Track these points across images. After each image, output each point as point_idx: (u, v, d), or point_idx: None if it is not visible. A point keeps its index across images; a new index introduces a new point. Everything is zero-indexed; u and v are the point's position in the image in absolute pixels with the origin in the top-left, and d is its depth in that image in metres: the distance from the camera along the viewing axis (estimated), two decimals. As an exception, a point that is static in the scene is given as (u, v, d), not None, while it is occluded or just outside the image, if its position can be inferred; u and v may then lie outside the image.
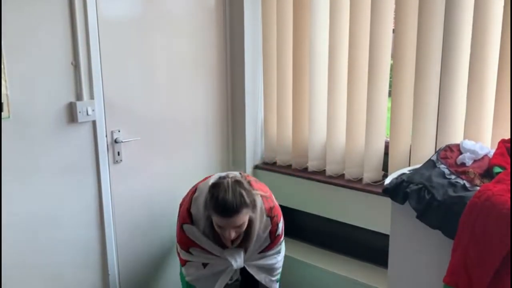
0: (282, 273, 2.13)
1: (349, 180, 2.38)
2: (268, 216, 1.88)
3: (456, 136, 2.04)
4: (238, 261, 1.88)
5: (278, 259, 2.02)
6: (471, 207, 1.44)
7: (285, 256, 2.11)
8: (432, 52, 2.03)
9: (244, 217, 1.73)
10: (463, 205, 1.46)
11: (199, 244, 1.88)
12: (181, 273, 2.10)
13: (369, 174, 2.30)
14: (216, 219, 1.73)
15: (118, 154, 2.22)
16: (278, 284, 2.08)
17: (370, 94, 2.23)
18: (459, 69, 1.99)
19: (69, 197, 2.06)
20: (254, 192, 1.80)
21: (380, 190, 2.02)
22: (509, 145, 1.71)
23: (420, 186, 1.60)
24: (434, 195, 1.54)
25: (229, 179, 1.74)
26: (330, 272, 2.45)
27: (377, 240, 2.33)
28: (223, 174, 1.92)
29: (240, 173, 1.95)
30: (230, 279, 1.94)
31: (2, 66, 1.77)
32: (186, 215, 1.88)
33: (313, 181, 2.48)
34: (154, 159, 2.37)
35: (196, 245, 1.88)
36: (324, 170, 2.49)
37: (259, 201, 1.83)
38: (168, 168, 2.46)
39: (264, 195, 1.91)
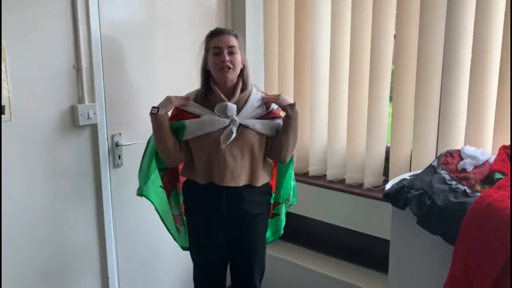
0: (281, 277, 2.12)
1: (349, 185, 2.38)
2: (262, 93, 1.99)
3: (457, 141, 2.04)
4: (232, 111, 1.85)
5: (278, 123, 1.94)
6: (472, 213, 1.43)
7: (284, 260, 2.10)
8: (433, 58, 2.03)
9: (235, 42, 1.87)
10: (464, 211, 1.45)
11: (193, 112, 1.90)
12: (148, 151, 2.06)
13: (370, 179, 2.30)
14: (212, 44, 1.86)
15: (119, 158, 2.22)
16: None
17: (371, 99, 2.24)
18: (460, 74, 1.99)
19: (69, 200, 2.06)
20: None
21: (380, 195, 2.02)
22: (509, 151, 1.71)
23: (421, 191, 1.60)
24: (435, 201, 1.54)
25: None
26: (330, 277, 2.45)
27: (377, 245, 2.33)
28: None
29: None
30: (224, 139, 1.85)
31: (4, 69, 1.78)
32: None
33: (314, 185, 2.48)
34: (155, 163, 2.37)
35: (189, 116, 1.90)
36: (325, 175, 2.49)
37: (250, 80, 1.96)
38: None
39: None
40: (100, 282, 2.24)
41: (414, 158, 2.15)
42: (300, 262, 2.58)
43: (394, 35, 2.18)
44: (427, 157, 2.08)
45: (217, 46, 1.85)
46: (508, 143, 1.77)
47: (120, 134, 2.21)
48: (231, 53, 1.85)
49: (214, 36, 1.88)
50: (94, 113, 2.07)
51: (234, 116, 1.86)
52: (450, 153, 1.82)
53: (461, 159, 1.77)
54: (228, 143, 1.84)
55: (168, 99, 1.92)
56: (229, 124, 1.84)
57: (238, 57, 1.87)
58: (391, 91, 2.23)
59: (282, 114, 1.95)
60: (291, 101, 1.91)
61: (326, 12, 2.36)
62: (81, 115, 2.02)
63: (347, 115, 2.36)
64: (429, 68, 2.05)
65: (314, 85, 2.44)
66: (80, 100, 2.03)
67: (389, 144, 2.27)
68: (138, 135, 2.28)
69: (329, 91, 2.40)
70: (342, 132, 2.41)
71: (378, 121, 2.25)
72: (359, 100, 2.30)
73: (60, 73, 1.96)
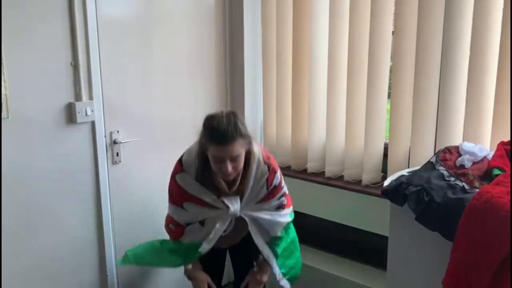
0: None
1: (348, 182, 2.38)
2: (265, 163, 1.84)
3: (455, 138, 2.04)
4: (234, 205, 1.81)
5: (277, 218, 1.91)
6: (470, 209, 1.44)
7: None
8: (431, 54, 2.03)
9: (239, 148, 1.69)
10: (462, 207, 1.46)
11: (193, 194, 1.82)
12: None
13: (368, 175, 2.30)
14: (212, 150, 1.69)
15: (117, 155, 2.21)
16: (275, 257, 1.95)
17: (370, 96, 2.23)
18: (458, 71, 1.99)
19: (68, 197, 2.06)
20: (249, 133, 1.77)
21: (379, 192, 2.01)
22: (508, 147, 1.71)
23: (419, 188, 1.60)
24: (433, 197, 1.54)
25: (224, 111, 1.73)
26: (328, 273, 2.45)
27: (376, 242, 2.33)
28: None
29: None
30: (224, 231, 1.86)
31: (1, 66, 1.77)
32: (178, 165, 1.84)
33: (312, 182, 2.48)
34: (153, 160, 2.37)
35: (189, 197, 1.82)
36: (324, 172, 2.49)
37: (256, 146, 1.81)
38: (167, 169, 2.44)
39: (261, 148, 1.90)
40: (99, 279, 2.24)
41: (413, 155, 2.15)
42: (299, 258, 2.58)
43: (393, 32, 2.18)
44: (426, 154, 2.09)
45: (218, 156, 1.68)
46: (507, 139, 1.77)
47: (118, 132, 2.20)
48: (234, 160, 1.69)
49: (214, 142, 1.67)
50: (92, 111, 2.06)
51: (237, 213, 1.84)
52: (448, 150, 1.82)
53: (460, 155, 1.77)
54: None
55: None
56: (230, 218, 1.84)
57: (242, 158, 1.72)
58: (390, 88, 2.23)
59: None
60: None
61: (325, 9, 2.36)
62: (78, 113, 2.01)
63: (346, 112, 2.35)
64: (428, 64, 2.05)
65: (312, 82, 2.44)
66: (78, 97, 2.02)
67: (387, 141, 2.27)
68: (136, 132, 2.28)
69: (327, 88, 2.40)
70: (340, 128, 2.41)
71: (376, 118, 2.25)
72: (358, 97, 2.29)
73: (58, 70, 1.95)
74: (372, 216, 2.24)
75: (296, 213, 2.61)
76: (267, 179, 1.84)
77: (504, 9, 1.84)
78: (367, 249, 2.47)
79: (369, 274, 2.39)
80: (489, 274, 1.38)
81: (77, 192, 2.09)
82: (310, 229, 2.73)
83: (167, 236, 2.43)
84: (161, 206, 2.42)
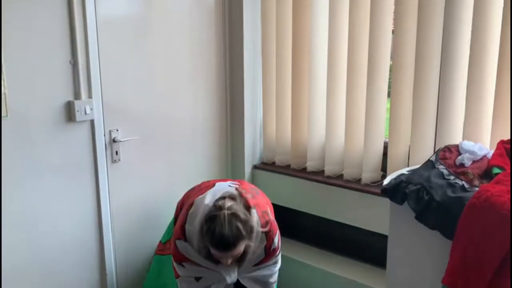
0: (279, 273, 2.12)
1: (347, 181, 2.37)
2: (263, 231, 1.87)
3: (455, 136, 2.03)
4: (232, 276, 1.87)
5: (273, 270, 2.00)
6: (470, 208, 1.43)
7: (282, 256, 2.10)
8: (431, 53, 2.03)
9: (241, 248, 1.74)
10: (462, 206, 1.45)
11: (192, 260, 1.86)
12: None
13: (368, 174, 2.30)
14: (213, 251, 1.75)
15: (116, 154, 2.21)
16: None
17: (369, 95, 2.23)
18: (458, 69, 1.99)
19: (67, 196, 2.06)
20: (250, 214, 1.78)
21: (378, 191, 2.01)
22: (508, 146, 1.71)
23: (419, 186, 1.60)
24: (433, 196, 1.54)
25: (225, 211, 1.72)
26: (328, 272, 2.45)
27: (375, 240, 2.33)
28: (219, 191, 1.88)
29: (236, 187, 1.93)
30: None
31: (0, 64, 1.77)
32: (180, 231, 1.86)
33: (312, 181, 2.47)
34: (152, 159, 2.37)
35: (188, 260, 1.87)
36: (323, 171, 2.49)
37: (255, 220, 1.82)
38: (166, 168, 2.45)
39: (260, 211, 1.89)
40: (98, 278, 2.24)
41: (412, 153, 2.15)
42: (298, 257, 2.58)
43: (392, 31, 2.17)
44: (425, 152, 2.08)
45: (219, 256, 1.74)
46: (507, 137, 1.77)
47: (117, 130, 2.20)
48: (235, 257, 1.76)
49: (216, 249, 1.71)
50: (91, 109, 2.06)
51: (234, 281, 1.88)
52: (448, 148, 1.82)
53: (459, 154, 1.76)
54: None
55: None
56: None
57: (241, 251, 1.76)
58: (389, 87, 2.23)
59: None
60: None
61: (324, 8, 2.35)
62: (78, 111, 2.01)
63: (345, 111, 2.35)
64: (428, 63, 2.04)
65: (312, 81, 2.44)
66: (77, 95, 2.02)
67: (387, 140, 2.27)
68: (136, 131, 2.27)
69: (327, 87, 2.40)
70: (340, 127, 2.41)
71: (376, 117, 2.24)
72: (357, 96, 2.29)
73: (57, 69, 1.95)
74: (372, 215, 2.23)
75: (296, 212, 2.62)
76: (265, 247, 1.88)
77: (504, 8, 1.84)
78: (366, 247, 2.47)
79: (369, 272, 2.39)
80: (489, 273, 1.38)
81: (76, 190, 2.09)
82: (309, 228, 2.73)
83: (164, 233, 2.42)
84: (161, 205, 2.43)
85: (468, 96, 1.97)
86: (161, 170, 2.43)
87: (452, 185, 1.56)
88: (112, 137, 2.18)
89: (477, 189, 1.48)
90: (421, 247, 1.66)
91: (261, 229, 1.85)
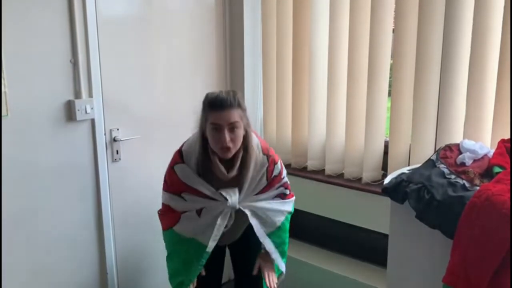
0: (279, 272, 2.12)
1: (348, 180, 2.37)
2: (264, 154, 1.84)
3: (456, 135, 2.03)
4: (233, 197, 1.80)
5: (278, 207, 1.91)
6: (471, 207, 1.43)
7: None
8: (432, 52, 2.02)
9: (237, 116, 1.69)
10: (463, 205, 1.45)
11: (192, 186, 1.81)
12: (165, 235, 2.01)
13: (369, 173, 2.30)
14: (211, 119, 1.69)
15: (117, 153, 2.21)
16: (279, 256, 1.94)
17: (370, 94, 2.23)
18: (459, 68, 1.99)
19: (68, 195, 2.06)
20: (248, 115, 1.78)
21: (379, 190, 2.02)
22: (508, 145, 1.71)
23: (420, 185, 1.60)
24: (434, 195, 1.54)
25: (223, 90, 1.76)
26: (328, 271, 2.45)
27: (376, 239, 2.33)
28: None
29: None
30: (225, 226, 1.84)
31: (0, 63, 1.77)
32: (178, 155, 1.84)
33: (313, 180, 2.48)
34: (153, 158, 2.36)
35: (188, 188, 1.81)
36: (324, 170, 2.49)
37: (254, 138, 1.82)
38: (167, 167, 2.45)
39: (261, 140, 1.89)
40: (98, 277, 2.24)
41: (413, 152, 2.15)
42: (298, 256, 2.58)
43: (393, 30, 2.17)
44: (426, 151, 2.08)
45: (216, 123, 1.69)
46: (507, 136, 1.77)
47: (118, 129, 2.20)
48: (232, 129, 1.69)
49: (213, 109, 1.69)
50: (92, 108, 2.06)
51: (236, 205, 1.82)
52: (449, 147, 1.82)
53: (460, 153, 1.76)
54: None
55: None
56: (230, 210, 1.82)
57: (240, 131, 1.72)
58: (390, 86, 2.22)
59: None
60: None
61: (325, 7, 2.35)
62: (78, 110, 2.01)
63: (346, 110, 2.35)
64: (428, 62, 2.04)
65: (312, 79, 2.43)
66: (77, 95, 2.02)
67: (387, 139, 2.27)
68: (136, 130, 2.27)
69: (327, 86, 2.40)
70: (340, 126, 2.41)
71: (376, 116, 2.24)
72: (358, 95, 2.29)
73: (57, 68, 1.95)
74: (373, 214, 2.23)
75: (297, 211, 2.61)
76: (266, 170, 1.84)
77: (504, 7, 1.83)
78: (367, 247, 2.47)
79: (369, 272, 2.40)
80: (490, 272, 1.38)
81: (77, 190, 2.09)
82: (310, 227, 2.73)
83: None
84: (160, 204, 2.42)
85: (469, 95, 1.97)
86: (162, 169, 2.42)
87: (453, 184, 1.56)
88: (113, 136, 2.18)
89: (477, 188, 1.48)
90: (421, 246, 1.66)
91: (262, 152, 1.83)
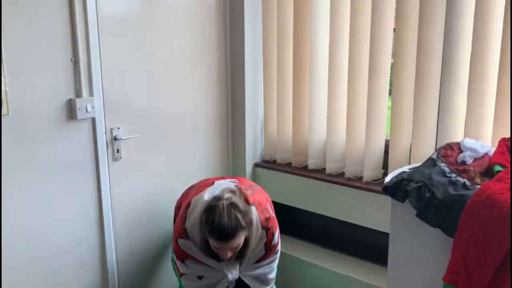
0: (281, 271, 2.13)
1: (349, 179, 2.37)
2: (263, 228, 1.88)
3: (456, 134, 2.03)
4: (233, 273, 1.89)
5: (273, 266, 2.01)
6: (471, 205, 1.43)
7: (284, 254, 2.12)
8: (432, 51, 2.02)
9: (240, 240, 1.74)
10: (463, 204, 1.45)
11: (195, 257, 1.87)
12: (177, 277, 2.09)
13: (369, 172, 2.30)
14: (212, 242, 1.75)
15: (118, 152, 2.21)
16: None
17: (371, 93, 2.23)
18: (459, 67, 1.98)
19: (68, 194, 2.06)
20: (250, 208, 1.79)
21: (380, 189, 2.01)
22: (509, 143, 1.71)
23: (420, 184, 1.60)
24: (434, 194, 1.54)
25: (224, 202, 1.72)
26: (329, 270, 2.45)
27: (377, 238, 2.33)
28: (218, 188, 1.88)
29: (236, 185, 1.93)
30: None
31: (1, 62, 1.77)
32: (181, 229, 1.87)
33: (313, 179, 2.47)
34: (153, 157, 2.37)
35: (191, 257, 1.88)
36: (324, 168, 2.49)
37: (254, 216, 1.83)
38: (167, 166, 2.45)
39: (260, 207, 1.90)
40: (99, 276, 2.24)
41: (414, 151, 2.15)
42: (299, 255, 2.58)
43: (394, 29, 2.17)
44: (427, 150, 2.08)
45: (217, 248, 1.74)
46: (508, 135, 1.77)
47: (118, 128, 2.20)
48: (234, 250, 1.76)
49: (215, 239, 1.72)
50: (92, 107, 2.06)
51: (236, 278, 1.89)
52: (449, 146, 1.82)
53: (461, 151, 1.76)
54: None
55: None
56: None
57: (241, 245, 1.77)
58: (391, 85, 2.22)
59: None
60: None
61: (325, 5, 2.35)
62: (79, 109, 2.01)
63: (347, 109, 2.35)
64: (429, 61, 2.04)
65: (313, 79, 2.43)
66: (78, 93, 2.02)
67: (388, 137, 2.27)
68: (137, 129, 2.27)
69: (328, 85, 2.40)
70: (341, 125, 2.40)
71: (377, 115, 2.24)
72: (359, 94, 2.29)
73: (58, 67, 1.95)
74: (373, 213, 2.23)
75: (297, 210, 2.62)
76: (265, 243, 1.89)
77: (505, 7, 1.83)
78: (368, 245, 2.47)
79: (370, 270, 2.40)
80: (491, 271, 1.38)
81: (78, 188, 2.09)
82: (310, 226, 2.73)
83: (167, 235, 2.43)
84: (162, 203, 2.43)
85: (469, 94, 1.97)
86: (162, 168, 2.43)
87: (453, 183, 1.56)
88: (113, 135, 2.19)
89: (478, 187, 1.48)
90: (422, 244, 1.66)
91: (260, 226, 1.86)
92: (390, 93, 2.24)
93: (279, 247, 2.00)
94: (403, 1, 2.08)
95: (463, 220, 1.45)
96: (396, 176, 1.73)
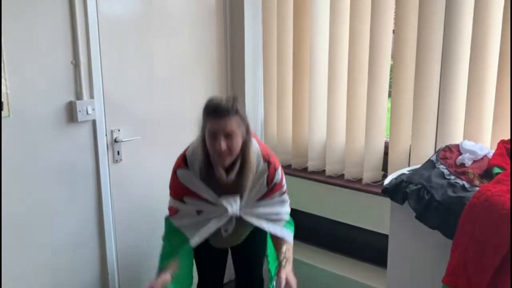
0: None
1: (348, 180, 2.38)
2: (265, 161, 1.83)
3: (455, 136, 2.04)
4: (233, 206, 1.80)
5: (279, 209, 1.91)
6: (470, 207, 1.44)
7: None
8: (432, 53, 2.03)
9: (234, 125, 1.67)
10: (462, 206, 1.46)
11: (194, 190, 1.81)
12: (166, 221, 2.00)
13: (369, 174, 2.30)
14: (208, 126, 1.69)
15: (118, 154, 2.22)
16: (288, 229, 1.94)
17: (370, 94, 2.23)
18: (459, 69, 1.99)
19: (69, 196, 2.06)
20: (249, 122, 1.76)
21: (379, 190, 2.02)
22: (508, 146, 1.71)
23: (420, 186, 1.60)
24: (434, 196, 1.55)
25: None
26: (329, 272, 2.45)
27: (376, 240, 2.33)
28: None
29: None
30: (225, 230, 1.86)
31: (2, 64, 1.77)
32: (181, 160, 1.84)
33: (313, 181, 2.48)
34: (154, 159, 2.37)
35: (190, 192, 1.82)
36: (324, 170, 2.49)
37: (255, 145, 1.80)
38: (168, 168, 2.44)
39: (262, 145, 1.88)
40: (99, 277, 2.24)
41: (413, 153, 2.15)
42: (299, 256, 2.58)
43: (393, 30, 2.18)
44: (426, 152, 2.08)
45: (212, 131, 1.68)
46: (507, 137, 1.77)
47: (119, 130, 2.20)
48: (228, 137, 1.68)
49: (210, 116, 1.69)
50: (93, 109, 2.06)
51: (236, 213, 1.82)
52: (449, 148, 1.82)
53: (460, 153, 1.77)
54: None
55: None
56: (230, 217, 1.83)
57: (237, 140, 1.70)
58: (390, 86, 2.23)
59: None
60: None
61: (325, 7, 2.36)
62: (79, 111, 2.01)
63: (346, 110, 2.35)
64: (428, 63, 2.04)
65: (312, 80, 2.44)
66: (79, 96, 2.03)
67: (388, 139, 2.27)
68: (137, 131, 2.28)
69: (328, 86, 2.40)
70: (341, 127, 2.41)
71: (377, 116, 2.25)
72: (358, 95, 2.29)
73: (58, 69, 1.95)
74: (373, 215, 2.24)
75: (297, 211, 2.61)
76: (267, 177, 1.83)
77: (504, 7, 1.84)
78: (367, 247, 2.47)
79: (369, 272, 2.40)
80: (490, 273, 1.38)
81: (78, 190, 2.09)
82: (310, 228, 2.73)
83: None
84: (162, 204, 2.42)
85: (469, 95, 1.97)
86: (163, 170, 2.42)
87: (452, 185, 1.56)
88: (114, 137, 2.19)
89: (477, 188, 1.49)
90: (421, 246, 1.67)
91: (262, 158, 1.82)
92: (389, 95, 2.25)
93: (284, 189, 1.91)
94: (403, 3, 2.09)
95: (462, 222, 1.45)
96: (396, 178, 1.74)
